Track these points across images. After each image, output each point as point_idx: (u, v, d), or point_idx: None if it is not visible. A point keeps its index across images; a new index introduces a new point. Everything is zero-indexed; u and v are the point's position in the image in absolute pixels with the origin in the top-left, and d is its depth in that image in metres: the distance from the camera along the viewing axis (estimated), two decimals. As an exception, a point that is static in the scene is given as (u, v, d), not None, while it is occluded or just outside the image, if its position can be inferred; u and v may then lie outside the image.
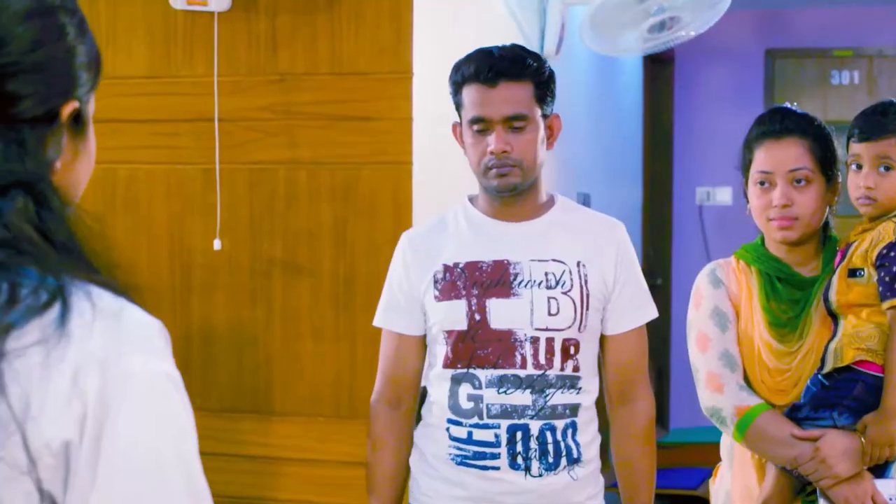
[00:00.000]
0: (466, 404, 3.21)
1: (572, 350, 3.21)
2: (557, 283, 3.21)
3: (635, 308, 3.32)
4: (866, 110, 3.24)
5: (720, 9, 5.14)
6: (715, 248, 8.76)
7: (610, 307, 3.27)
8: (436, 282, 3.26)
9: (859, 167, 3.18)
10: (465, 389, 3.22)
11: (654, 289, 3.63)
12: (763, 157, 3.26)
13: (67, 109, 1.52)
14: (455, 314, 3.22)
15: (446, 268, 3.27)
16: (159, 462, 1.38)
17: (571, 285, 3.21)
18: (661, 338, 8.53)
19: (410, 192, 4.16)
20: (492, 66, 3.18)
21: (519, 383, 3.18)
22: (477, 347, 3.20)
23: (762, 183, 3.25)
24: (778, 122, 3.28)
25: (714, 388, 3.25)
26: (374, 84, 4.20)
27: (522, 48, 3.28)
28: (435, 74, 4.29)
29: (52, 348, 1.35)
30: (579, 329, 3.22)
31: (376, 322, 3.41)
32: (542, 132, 3.23)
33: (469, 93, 3.21)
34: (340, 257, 4.26)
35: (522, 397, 3.17)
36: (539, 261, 3.23)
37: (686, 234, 9.22)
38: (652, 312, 3.36)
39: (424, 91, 4.20)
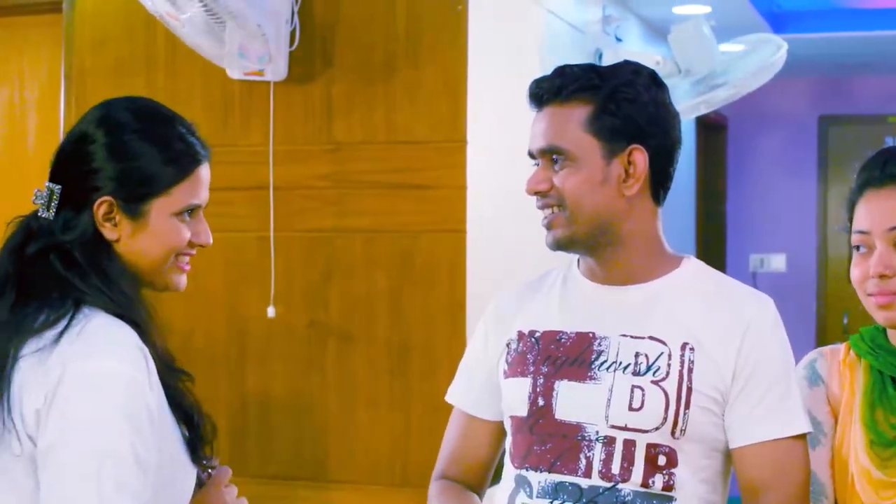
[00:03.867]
0: None
1: (662, 461, 2.38)
2: (649, 368, 2.40)
3: (770, 413, 2.41)
4: None
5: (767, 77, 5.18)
6: (769, 316, 8.68)
7: (734, 409, 2.41)
8: (508, 352, 2.56)
9: None
10: (520, 498, 2.47)
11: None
12: (861, 213, 2.44)
13: (96, 205, 2.20)
14: (517, 395, 2.49)
15: (520, 335, 2.55)
16: (86, 417, 2.05)
17: (667, 373, 2.39)
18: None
19: (465, 261, 4.17)
20: (539, 85, 2.51)
21: (578, 496, 2.39)
22: (534, 442, 2.45)
23: (858, 247, 2.45)
24: (879, 168, 2.45)
25: None
26: (430, 153, 4.22)
27: (597, 66, 2.52)
28: (489, 143, 4.31)
29: (43, 354, 2.09)
30: (673, 433, 2.38)
31: (447, 396, 2.74)
32: (599, 171, 2.43)
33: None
34: (395, 325, 4.26)
35: None
36: (631, 337, 2.44)
37: (740, 301, 9.15)
38: (795, 425, 2.42)
39: (479, 160, 4.22)
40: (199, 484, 2.28)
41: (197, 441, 2.25)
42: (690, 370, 2.39)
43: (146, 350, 2.14)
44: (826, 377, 2.53)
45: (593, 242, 2.47)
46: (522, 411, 2.47)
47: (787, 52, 5.33)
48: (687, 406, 2.38)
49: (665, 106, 2.50)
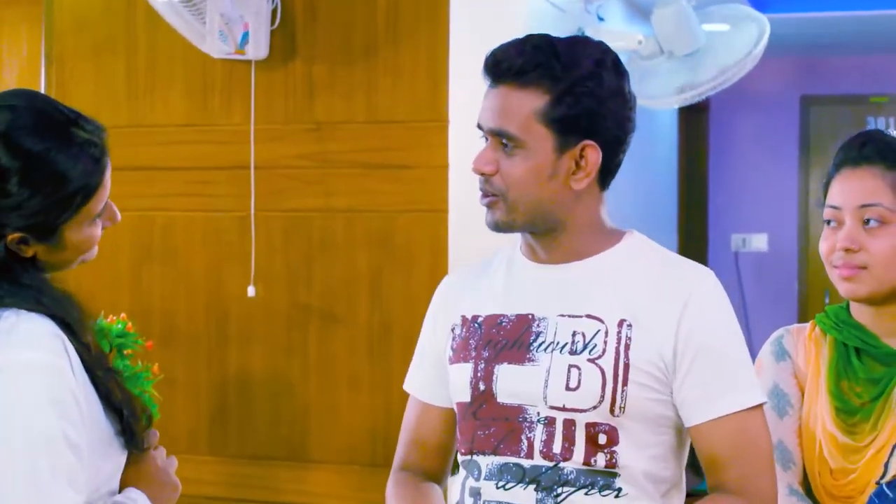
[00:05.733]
0: (468, 500, 2.44)
1: (602, 439, 2.34)
2: (585, 347, 2.35)
3: (723, 388, 2.34)
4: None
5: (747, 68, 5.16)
6: (751, 295, 8.72)
7: (684, 387, 2.34)
8: (453, 338, 2.52)
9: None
10: (469, 482, 2.45)
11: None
12: (835, 190, 2.55)
13: (8, 238, 2.11)
14: (460, 381, 2.45)
15: (464, 321, 2.50)
16: (12, 409, 2.02)
17: (604, 351, 2.33)
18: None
19: (446, 241, 4.17)
20: (496, 60, 2.38)
21: (521, 476, 2.37)
22: (478, 427, 2.42)
23: (829, 222, 2.56)
24: (856, 149, 2.56)
25: None
26: (411, 132, 4.22)
27: (569, 41, 2.40)
28: (471, 123, 4.30)
29: None
30: (612, 411, 2.33)
31: (404, 384, 2.70)
32: (548, 164, 2.35)
33: None
34: (376, 306, 4.26)
35: (524, 494, 2.37)
36: (569, 316, 2.38)
37: (722, 281, 9.15)
38: (749, 397, 2.35)
39: (460, 139, 4.21)
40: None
41: (129, 433, 2.20)
42: (627, 346, 2.33)
43: (64, 337, 2.10)
44: (792, 352, 2.63)
45: (533, 228, 2.41)
46: (466, 397, 2.44)
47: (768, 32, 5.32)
48: (625, 383, 2.32)
49: (623, 96, 2.41)
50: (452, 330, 2.52)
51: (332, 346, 4.32)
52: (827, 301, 8.69)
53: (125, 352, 3.80)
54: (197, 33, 4.22)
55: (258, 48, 4.28)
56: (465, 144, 4.24)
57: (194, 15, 4.14)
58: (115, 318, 3.86)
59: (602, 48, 2.40)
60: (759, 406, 2.37)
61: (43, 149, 2.11)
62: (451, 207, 4.19)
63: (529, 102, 2.34)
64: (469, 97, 4.30)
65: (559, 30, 5.17)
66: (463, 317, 2.51)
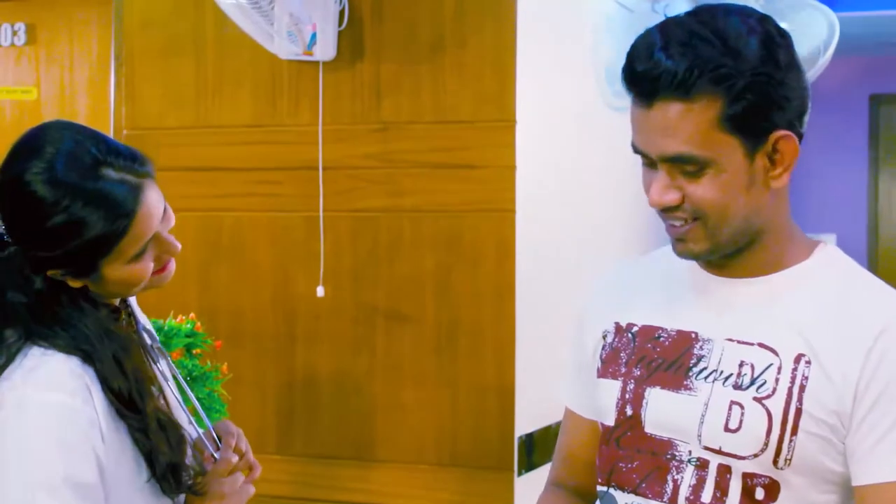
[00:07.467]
0: None
1: (760, 494, 1.99)
2: (753, 382, 2.00)
3: (892, 447, 1.95)
4: None
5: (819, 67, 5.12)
6: (819, 296, 8.65)
7: (856, 438, 1.97)
8: (603, 346, 2.23)
9: None
10: None
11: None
12: None
13: (48, 273, 2.13)
14: (606, 400, 2.17)
15: (618, 329, 2.21)
16: (14, 449, 2.02)
17: (774, 390, 1.98)
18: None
19: (514, 241, 4.16)
20: (645, 73, 1.96)
21: None
22: (620, 457, 2.13)
23: None
24: None
25: None
26: (478, 132, 4.21)
27: (714, 24, 1.97)
28: (538, 122, 4.30)
29: None
30: (776, 462, 1.98)
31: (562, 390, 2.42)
32: (743, 173, 2.00)
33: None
34: (443, 305, 4.26)
35: None
36: (738, 342, 2.04)
37: (790, 282, 9.12)
38: None
39: (528, 139, 4.20)
40: (203, 472, 2.26)
41: (162, 482, 2.18)
42: (802, 388, 1.97)
43: (89, 378, 2.09)
44: None
45: (733, 248, 2.08)
46: (610, 420, 2.16)
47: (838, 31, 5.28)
48: (794, 432, 1.97)
49: (798, 67, 2.04)
50: (604, 337, 2.24)
51: (399, 345, 4.32)
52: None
53: (194, 351, 3.82)
54: (265, 34, 4.24)
55: (326, 49, 4.29)
56: (532, 144, 4.24)
57: (262, 16, 4.15)
58: (184, 318, 3.88)
59: (756, 17, 2.02)
60: None
61: (60, 196, 2.09)
62: (518, 207, 4.17)
63: (704, 113, 1.96)
64: (537, 97, 4.30)
65: (626, 28, 5.15)
66: (616, 324, 2.22)
